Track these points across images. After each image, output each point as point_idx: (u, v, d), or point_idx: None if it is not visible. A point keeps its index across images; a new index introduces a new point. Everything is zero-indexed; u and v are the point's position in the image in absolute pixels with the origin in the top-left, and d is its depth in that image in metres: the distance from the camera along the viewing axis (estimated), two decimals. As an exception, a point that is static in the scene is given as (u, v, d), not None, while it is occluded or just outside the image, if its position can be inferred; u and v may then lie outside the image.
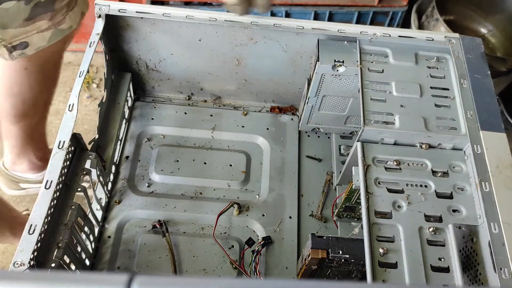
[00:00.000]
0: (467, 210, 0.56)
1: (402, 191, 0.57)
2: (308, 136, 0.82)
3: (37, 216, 0.50)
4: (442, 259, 0.53)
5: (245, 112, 0.82)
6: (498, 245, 0.51)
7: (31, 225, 0.50)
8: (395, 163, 0.59)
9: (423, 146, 0.61)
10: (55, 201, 0.54)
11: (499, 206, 0.53)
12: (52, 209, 0.53)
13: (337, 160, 0.78)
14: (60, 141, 0.56)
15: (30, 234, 0.49)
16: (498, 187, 0.54)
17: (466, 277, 0.52)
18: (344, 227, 0.71)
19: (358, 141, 0.60)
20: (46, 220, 0.51)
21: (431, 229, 0.55)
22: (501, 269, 0.50)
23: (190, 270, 0.66)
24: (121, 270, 0.66)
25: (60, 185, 0.55)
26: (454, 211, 0.56)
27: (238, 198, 0.73)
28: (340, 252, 0.53)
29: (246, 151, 0.79)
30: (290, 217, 0.72)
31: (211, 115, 0.82)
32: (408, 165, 0.60)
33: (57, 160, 0.55)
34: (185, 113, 0.82)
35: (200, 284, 0.26)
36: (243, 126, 0.81)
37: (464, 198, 0.57)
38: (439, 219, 0.56)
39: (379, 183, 0.57)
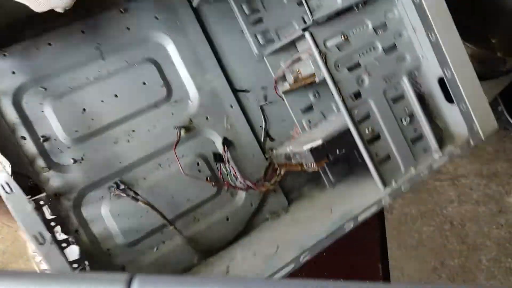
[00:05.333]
0: (410, 54, 0.61)
1: (359, 65, 0.58)
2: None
3: None
4: (406, 109, 0.60)
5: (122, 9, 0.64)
6: (454, 87, 0.58)
7: None
8: (343, 37, 0.57)
9: (360, 5, 0.58)
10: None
11: (447, 53, 0.58)
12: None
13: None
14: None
15: None
16: (442, 35, 0.58)
17: (427, 119, 0.61)
18: (293, 100, 0.71)
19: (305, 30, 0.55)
20: None
21: (391, 88, 0.59)
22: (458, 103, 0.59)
23: (176, 211, 0.64)
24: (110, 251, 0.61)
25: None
26: (401, 60, 0.60)
27: (172, 114, 0.66)
28: (338, 151, 0.56)
29: (151, 59, 0.65)
30: (232, 106, 0.69)
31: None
32: (353, 33, 0.58)
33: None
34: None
35: (199, 283, 0.28)
36: (128, 28, 0.65)
37: (405, 44, 0.61)
38: (394, 76, 0.60)
39: (338, 66, 0.57)
